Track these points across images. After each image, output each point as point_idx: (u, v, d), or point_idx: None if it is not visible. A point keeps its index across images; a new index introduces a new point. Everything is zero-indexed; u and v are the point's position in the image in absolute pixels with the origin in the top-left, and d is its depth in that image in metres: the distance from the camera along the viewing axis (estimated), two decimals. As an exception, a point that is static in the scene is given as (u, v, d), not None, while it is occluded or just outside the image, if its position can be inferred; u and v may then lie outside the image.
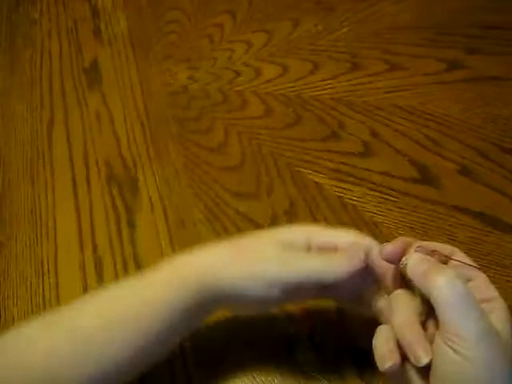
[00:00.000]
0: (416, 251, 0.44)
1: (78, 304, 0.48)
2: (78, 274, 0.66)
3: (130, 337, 0.45)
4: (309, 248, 0.49)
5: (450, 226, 0.66)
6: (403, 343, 0.42)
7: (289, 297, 0.48)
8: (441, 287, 0.40)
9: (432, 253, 0.44)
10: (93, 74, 0.95)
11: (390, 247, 0.45)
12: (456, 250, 0.46)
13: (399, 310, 0.44)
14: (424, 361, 0.40)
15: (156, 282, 0.48)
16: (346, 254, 0.47)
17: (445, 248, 0.46)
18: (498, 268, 0.62)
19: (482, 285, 0.43)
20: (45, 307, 0.63)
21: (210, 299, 0.47)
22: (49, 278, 0.66)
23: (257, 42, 0.96)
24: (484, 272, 0.57)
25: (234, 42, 0.97)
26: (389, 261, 0.45)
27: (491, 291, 0.43)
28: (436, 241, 0.63)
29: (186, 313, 0.46)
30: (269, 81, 0.89)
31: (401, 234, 0.65)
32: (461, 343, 0.38)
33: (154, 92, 0.89)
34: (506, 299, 0.57)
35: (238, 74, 0.91)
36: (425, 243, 0.45)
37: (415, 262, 0.43)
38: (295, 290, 0.47)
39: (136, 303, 0.47)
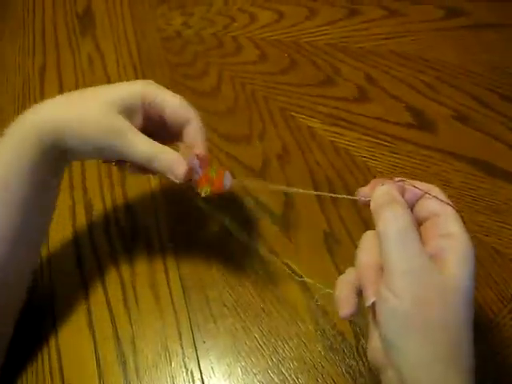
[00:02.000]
0: (383, 184, 0.42)
1: None
2: (68, 218, 0.65)
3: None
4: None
5: (444, 171, 0.66)
6: (360, 284, 0.42)
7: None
8: (384, 221, 0.39)
9: (402, 188, 0.43)
10: (86, 19, 0.93)
11: (367, 190, 0.43)
12: (432, 186, 0.43)
13: (363, 250, 0.43)
14: (369, 301, 0.40)
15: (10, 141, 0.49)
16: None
17: (421, 185, 0.43)
18: (491, 214, 0.61)
19: (445, 220, 0.41)
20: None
21: (51, 145, 0.49)
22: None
23: (253, -12, 0.94)
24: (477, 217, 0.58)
25: (229, -13, 0.95)
26: (362, 203, 0.43)
27: (453, 227, 0.40)
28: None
29: (34, 163, 0.48)
30: (264, 26, 0.87)
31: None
32: (391, 278, 0.37)
33: (147, 37, 0.87)
34: (499, 245, 0.58)
35: (233, 19, 0.89)
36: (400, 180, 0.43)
37: (377, 196, 0.42)
38: None
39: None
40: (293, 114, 0.73)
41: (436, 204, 0.42)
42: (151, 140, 0.49)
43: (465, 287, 0.37)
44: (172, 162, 0.48)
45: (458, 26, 0.84)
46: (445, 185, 0.64)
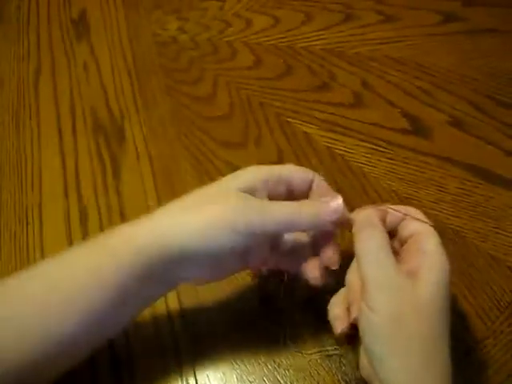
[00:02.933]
0: (364, 208, 0.46)
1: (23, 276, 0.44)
2: (63, 224, 0.65)
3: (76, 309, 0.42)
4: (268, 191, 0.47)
5: (440, 177, 0.65)
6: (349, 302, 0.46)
7: (251, 250, 0.46)
8: (360, 241, 0.43)
9: (384, 212, 0.47)
10: (81, 24, 0.92)
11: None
12: (410, 208, 0.47)
13: (350, 270, 0.47)
14: (352, 316, 0.44)
15: (103, 251, 0.44)
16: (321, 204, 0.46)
17: (401, 208, 0.47)
18: (487, 220, 0.61)
19: (422, 239, 0.44)
20: (28, 255, 0.63)
21: (164, 266, 0.43)
22: (33, 227, 0.65)
23: (248, -7, 0.94)
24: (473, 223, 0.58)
25: (225, -8, 0.95)
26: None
27: (428, 245, 0.44)
28: (426, 192, 0.63)
29: (133, 281, 0.42)
30: (260, 32, 0.87)
31: (390, 185, 0.64)
32: (367, 294, 0.40)
33: (142, 43, 0.87)
34: (495, 251, 0.57)
35: (228, 24, 0.89)
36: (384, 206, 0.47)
37: (357, 220, 0.45)
38: (260, 239, 0.45)
39: (81, 274, 0.43)
40: (288, 119, 0.73)
41: (415, 224, 0.46)
42: (285, 202, 0.46)
43: (438, 301, 0.40)
44: (318, 207, 0.45)
45: (455, 31, 0.84)
46: (441, 190, 0.64)
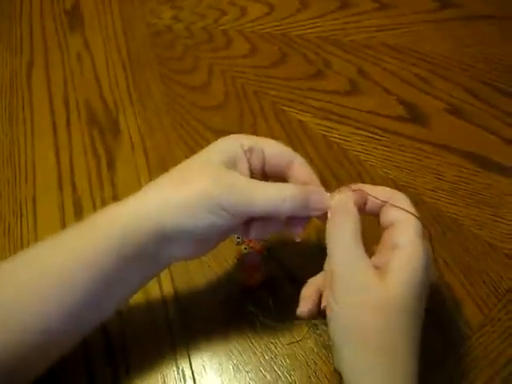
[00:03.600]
0: (340, 191, 0.44)
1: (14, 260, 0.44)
2: (57, 216, 0.64)
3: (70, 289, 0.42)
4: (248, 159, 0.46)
5: (437, 165, 0.65)
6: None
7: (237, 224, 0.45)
8: (331, 229, 0.42)
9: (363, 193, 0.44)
10: (74, 15, 0.92)
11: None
12: (395, 192, 0.45)
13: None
14: (322, 305, 0.45)
15: (91, 233, 0.43)
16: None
17: (383, 191, 0.45)
18: (485, 207, 0.61)
19: (398, 230, 0.42)
20: (22, 248, 0.62)
21: (154, 245, 0.43)
22: (27, 219, 0.65)
23: (243, -19, 0.93)
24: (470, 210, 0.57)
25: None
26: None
27: (403, 237, 0.41)
28: (423, 180, 0.63)
29: (122, 261, 0.42)
30: (254, 20, 0.86)
31: (387, 173, 0.64)
32: (333, 284, 0.40)
33: (136, 33, 0.86)
34: (493, 239, 0.57)
35: (223, 13, 0.88)
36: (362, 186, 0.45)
37: (332, 205, 0.43)
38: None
39: (71, 257, 0.43)
40: (284, 107, 0.73)
41: (395, 212, 0.43)
42: (273, 183, 0.44)
43: (405, 301, 0.39)
44: (305, 195, 0.43)
45: (451, 17, 0.83)
46: (438, 178, 0.63)
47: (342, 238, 0.41)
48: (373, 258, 0.42)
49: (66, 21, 0.91)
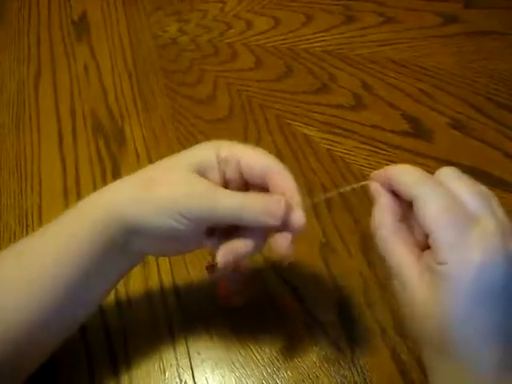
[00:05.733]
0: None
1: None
2: (62, 225, 0.65)
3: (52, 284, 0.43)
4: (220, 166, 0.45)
5: (440, 179, 0.65)
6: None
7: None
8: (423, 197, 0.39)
9: None
10: (81, 26, 0.93)
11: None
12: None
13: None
14: None
15: (72, 223, 0.45)
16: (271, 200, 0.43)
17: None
18: (488, 222, 0.61)
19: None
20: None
21: (123, 236, 0.43)
22: (33, 228, 0.65)
23: (249, -6, 0.94)
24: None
25: (225, -6, 0.95)
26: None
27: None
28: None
29: (98, 252, 0.43)
30: (260, 33, 0.87)
31: (390, 187, 0.64)
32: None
33: (142, 44, 0.87)
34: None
35: (229, 26, 0.89)
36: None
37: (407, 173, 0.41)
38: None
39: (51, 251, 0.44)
40: (288, 121, 0.73)
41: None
42: (235, 192, 0.43)
43: None
44: (266, 201, 0.42)
45: (456, 33, 0.84)
46: (441, 193, 0.63)
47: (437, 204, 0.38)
48: None
49: (73, 31, 0.92)
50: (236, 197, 0.42)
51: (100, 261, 0.44)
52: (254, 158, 0.45)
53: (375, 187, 0.42)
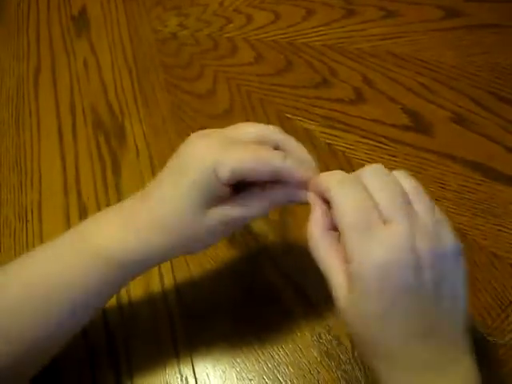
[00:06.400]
0: None
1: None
2: (62, 221, 0.65)
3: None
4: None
5: (441, 174, 0.65)
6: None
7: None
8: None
9: None
10: (81, 21, 0.92)
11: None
12: None
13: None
14: None
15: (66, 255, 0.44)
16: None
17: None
18: (489, 217, 0.61)
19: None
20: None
21: (119, 273, 0.44)
22: (32, 224, 0.65)
23: (249, -11, 0.93)
24: (475, 220, 0.57)
25: (225, -12, 0.94)
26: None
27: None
28: (427, 189, 0.63)
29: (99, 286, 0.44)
30: (260, 27, 0.86)
31: (391, 182, 0.64)
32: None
33: (142, 39, 0.87)
34: (498, 249, 0.57)
35: (228, 20, 0.88)
36: None
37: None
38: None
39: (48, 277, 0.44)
40: (289, 116, 0.73)
41: None
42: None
43: None
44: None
45: (456, 26, 0.83)
46: (442, 187, 0.63)
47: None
48: None
49: (73, 27, 0.92)
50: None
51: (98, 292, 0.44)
52: (250, 165, 0.42)
53: (310, 197, 0.43)
